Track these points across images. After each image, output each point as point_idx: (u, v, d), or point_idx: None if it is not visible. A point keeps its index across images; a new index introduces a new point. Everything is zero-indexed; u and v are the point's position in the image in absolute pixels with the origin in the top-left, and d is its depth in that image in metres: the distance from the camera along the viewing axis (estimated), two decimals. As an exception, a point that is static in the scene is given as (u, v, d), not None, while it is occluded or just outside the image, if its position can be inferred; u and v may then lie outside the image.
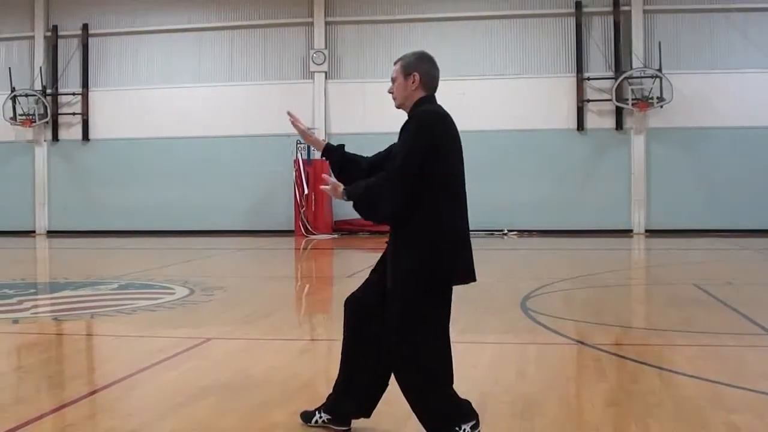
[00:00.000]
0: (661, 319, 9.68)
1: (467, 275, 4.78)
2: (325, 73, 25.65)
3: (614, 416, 5.41)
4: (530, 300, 10.61)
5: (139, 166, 26.69)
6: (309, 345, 8.43)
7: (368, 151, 5.27)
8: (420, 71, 4.86)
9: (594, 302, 11.16)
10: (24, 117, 26.87)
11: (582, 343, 8.00)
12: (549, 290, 11.80)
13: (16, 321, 9.62)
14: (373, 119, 24.60)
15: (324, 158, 5.25)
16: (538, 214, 24.55)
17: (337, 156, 5.18)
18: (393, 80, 4.95)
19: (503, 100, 24.75)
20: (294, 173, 24.49)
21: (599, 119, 24.67)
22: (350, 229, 24.83)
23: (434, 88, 4.93)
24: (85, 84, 27.23)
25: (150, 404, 5.34)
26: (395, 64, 4.97)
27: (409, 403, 4.82)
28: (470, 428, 4.70)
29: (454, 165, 4.77)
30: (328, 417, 5.14)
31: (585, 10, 24.64)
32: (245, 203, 25.87)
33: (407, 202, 4.67)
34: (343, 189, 4.88)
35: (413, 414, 4.83)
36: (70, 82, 27.48)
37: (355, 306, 5.04)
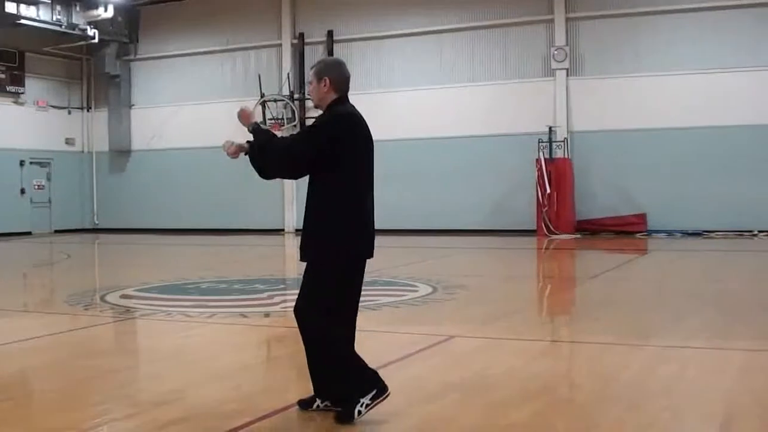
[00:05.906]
0: None
1: (368, 253, 5.73)
2: (567, 70, 25.27)
3: None
4: (785, 304, 10.05)
5: (385, 166, 27.22)
6: (549, 347, 8.32)
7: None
8: (330, 75, 5.44)
9: None
10: (273, 121, 28.14)
11: (843, 350, 7.51)
12: (806, 294, 11.13)
13: (266, 315, 10.11)
14: (615, 116, 24.13)
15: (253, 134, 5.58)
16: (792, 213, 23.12)
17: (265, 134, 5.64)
18: (309, 83, 5.56)
19: (748, 92, 23.38)
20: (536, 172, 24.28)
21: None
22: (593, 229, 24.43)
23: (345, 90, 5.50)
24: (331, 88, 28.17)
25: (393, 398, 5.41)
26: (311, 69, 5.55)
27: (315, 365, 5.38)
28: (370, 399, 5.26)
29: (358, 157, 5.58)
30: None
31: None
32: (486, 202, 25.86)
33: (293, 174, 5.59)
34: (248, 141, 5.45)
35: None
36: (316, 86, 28.53)
37: (295, 311, 5.43)
